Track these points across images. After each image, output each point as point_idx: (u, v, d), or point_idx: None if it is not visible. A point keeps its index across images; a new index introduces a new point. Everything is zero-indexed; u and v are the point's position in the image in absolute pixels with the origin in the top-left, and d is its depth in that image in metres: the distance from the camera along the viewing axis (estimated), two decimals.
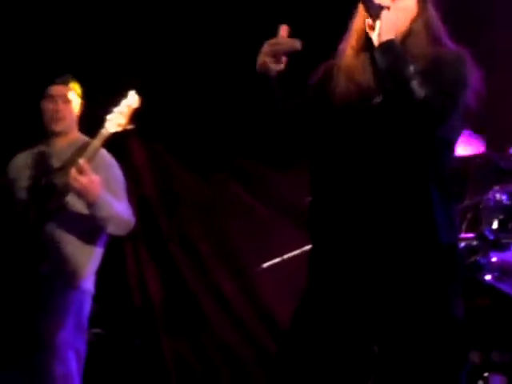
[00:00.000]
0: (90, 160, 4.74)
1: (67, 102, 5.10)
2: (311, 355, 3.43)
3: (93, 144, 4.79)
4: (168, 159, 6.77)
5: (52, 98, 5.08)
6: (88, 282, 4.97)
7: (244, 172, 6.64)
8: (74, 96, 5.14)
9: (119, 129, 4.79)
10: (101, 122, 4.90)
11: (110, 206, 4.82)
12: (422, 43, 3.46)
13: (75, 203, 4.79)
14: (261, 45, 3.46)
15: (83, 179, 4.62)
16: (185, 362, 6.44)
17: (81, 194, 4.68)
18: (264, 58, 3.31)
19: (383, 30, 3.36)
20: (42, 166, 5.16)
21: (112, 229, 4.92)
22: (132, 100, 4.79)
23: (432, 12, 3.53)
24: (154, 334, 6.55)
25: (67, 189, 4.77)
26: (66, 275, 4.91)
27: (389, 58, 3.34)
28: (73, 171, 4.67)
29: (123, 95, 4.82)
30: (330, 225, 3.45)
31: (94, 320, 5.30)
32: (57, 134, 5.08)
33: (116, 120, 4.77)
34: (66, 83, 5.17)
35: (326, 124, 3.46)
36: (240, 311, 6.40)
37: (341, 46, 3.51)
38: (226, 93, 6.45)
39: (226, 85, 6.45)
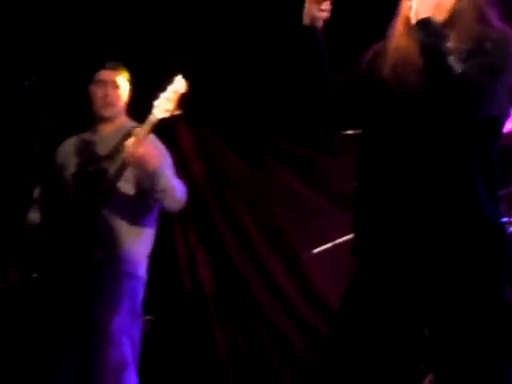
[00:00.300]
0: (141, 140, 4.77)
1: (116, 87, 5.07)
2: (361, 338, 3.43)
3: (141, 130, 4.78)
4: (216, 144, 6.74)
5: (101, 83, 5.05)
6: (141, 268, 5.00)
7: (292, 157, 6.55)
8: (123, 81, 5.12)
9: (167, 115, 4.76)
10: (148, 108, 4.84)
11: (167, 178, 4.84)
12: (467, 22, 3.43)
13: (126, 187, 4.81)
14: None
15: (142, 150, 4.65)
16: (237, 349, 6.41)
17: (141, 165, 4.71)
18: (309, 5, 3.34)
19: (419, 9, 3.37)
20: (89, 153, 5.17)
21: (168, 202, 4.93)
22: (179, 85, 4.74)
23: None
24: (206, 321, 6.52)
25: (119, 173, 4.80)
26: (120, 261, 4.92)
27: (424, 34, 3.34)
28: (130, 144, 4.72)
29: (170, 81, 4.75)
30: (376, 207, 3.45)
31: (145, 307, 5.30)
32: (105, 120, 5.08)
33: (163, 106, 4.72)
34: (115, 68, 5.16)
35: (373, 105, 3.47)
36: (291, 297, 6.34)
37: (389, 29, 3.49)
38: (274, 77, 6.28)
39: (274, 68, 6.28)
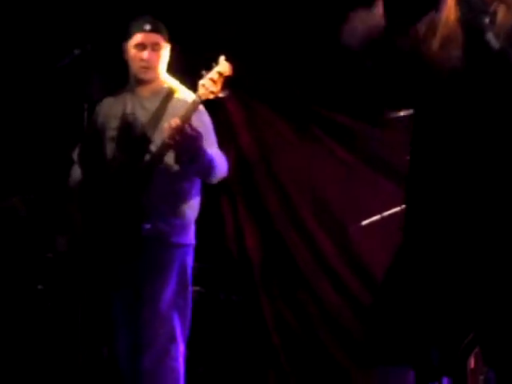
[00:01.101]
0: (184, 122, 4.76)
1: (157, 49, 5.09)
2: (403, 311, 3.50)
3: (186, 110, 4.81)
4: (264, 114, 6.73)
5: (141, 46, 5.06)
6: (189, 237, 5.06)
7: (341, 128, 6.55)
8: (162, 43, 5.12)
9: (211, 96, 4.80)
10: (193, 83, 4.87)
11: (208, 158, 4.88)
12: None
13: (169, 159, 4.84)
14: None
15: (181, 139, 4.66)
16: (284, 320, 6.44)
17: (180, 150, 4.75)
18: (360, 19, 3.33)
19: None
20: (129, 118, 5.21)
21: (208, 179, 5.01)
22: (223, 67, 4.78)
23: None
24: (253, 292, 6.58)
25: (164, 148, 4.82)
26: (168, 232, 4.98)
27: (464, 7, 3.36)
28: (170, 130, 4.72)
29: (215, 60, 4.75)
30: (428, 186, 3.48)
31: (193, 278, 5.33)
32: (144, 83, 5.12)
33: (209, 87, 4.76)
34: (154, 30, 5.16)
35: (423, 83, 3.48)
36: (338, 269, 6.39)
37: (440, 2, 3.48)
38: (321, 49, 6.29)
39: (322, 42, 6.25)
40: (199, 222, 5.23)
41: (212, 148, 4.99)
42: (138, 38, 4.98)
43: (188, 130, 4.69)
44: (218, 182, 5.29)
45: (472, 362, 4.90)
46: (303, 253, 6.47)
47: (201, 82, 4.74)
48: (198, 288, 5.89)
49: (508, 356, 3.54)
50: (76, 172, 5.22)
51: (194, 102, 4.79)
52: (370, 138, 6.24)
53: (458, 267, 3.50)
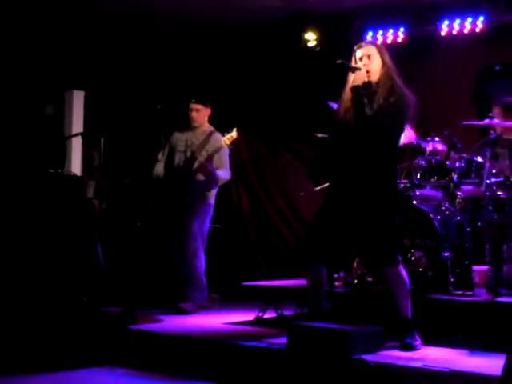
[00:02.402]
0: (214, 153, 6.83)
1: (199, 112, 7.25)
2: (323, 236, 5.10)
3: (213, 150, 6.92)
4: (255, 143, 9.52)
5: (191, 110, 7.21)
6: (211, 200, 7.17)
7: (295, 149, 9.21)
8: (202, 108, 7.29)
9: (226, 145, 6.92)
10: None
11: (216, 177, 6.94)
12: (387, 83, 4.99)
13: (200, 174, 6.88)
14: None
15: (205, 169, 6.83)
16: (262, 242, 9.36)
17: (206, 175, 6.88)
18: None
19: (355, 80, 4.99)
20: (189, 145, 7.20)
21: (217, 184, 7.07)
22: (234, 133, 6.87)
23: (391, 70, 5.07)
24: (244, 226, 9.46)
25: (200, 167, 6.92)
26: (200, 199, 7.09)
27: (354, 94, 4.97)
28: (201, 162, 6.80)
29: (230, 130, 6.91)
30: (338, 178, 5.12)
31: (215, 221, 7.68)
32: (195, 127, 7.23)
33: (226, 141, 6.85)
34: (196, 102, 7.23)
35: (337, 129, 5.10)
36: (289, 217, 9.23)
37: (343, 91, 5.12)
38: (291, 105, 8.97)
39: (292, 100, 8.94)
40: (221, 195, 7.35)
41: (222, 168, 6.97)
42: (190, 106, 7.22)
43: (208, 165, 6.78)
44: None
45: (355, 263, 6.50)
46: (272, 210, 9.45)
47: (223, 138, 6.91)
48: (217, 225, 8.46)
49: (372, 261, 5.48)
50: (159, 167, 7.32)
51: (218, 147, 6.93)
52: (306, 153, 8.65)
53: (348, 218, 5.10)
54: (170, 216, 7.15)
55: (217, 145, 6.90)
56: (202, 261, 7.07)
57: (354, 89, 4.97)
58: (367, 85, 4.98)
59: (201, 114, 7.22)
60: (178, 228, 7.10)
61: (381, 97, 4.96)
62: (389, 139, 5.04)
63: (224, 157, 7.11)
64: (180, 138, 7.24)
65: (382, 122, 4.83)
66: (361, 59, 5.06)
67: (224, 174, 7.06)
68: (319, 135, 6.17)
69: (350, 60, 5.11)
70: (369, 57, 5.08)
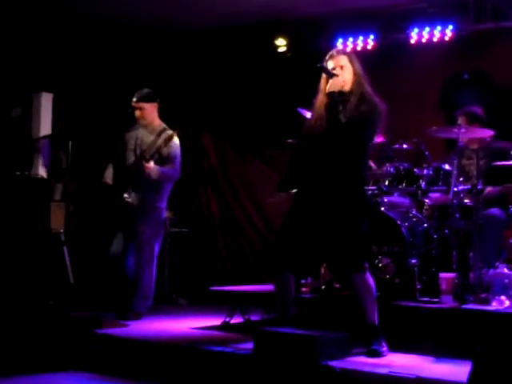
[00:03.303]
0: (162, 149, 6.63)
1: (142, 109, 6.94)
2: (291, 241, 5.10)
3: (164, 143, 6.75)
4: (223, 146, 9.53)
5: (135, 109, 6.94)
6: (162, 203, 6.88)
7: (264, 155, 9.23)
8: (145, 105, 6.95)
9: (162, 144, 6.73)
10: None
11: (162, 176, 6.73)
12: (358, 91, 5.04)
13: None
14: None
15: (149, 170, 6.60)
16: (229, 247, 9.39)
17: (148, 173, 6.65)
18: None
19: (331, 86, 5.03)
20: (139, 144, 6.98)
21: (164, 182, 6.84)
22: (171, 134, 6.73)
23: (362, 78, 5.11)
24: (213, 232, 9.49)
25: (138, 160, 6.72)
26: (151, 201, 6.83)
27: (329, 100, 5.02)
28: (148, 161, 6.58)
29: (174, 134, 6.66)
30: (307, 184, 5.14)
31: (183, 226, 8.21)
32: (145, 126, 6.99)
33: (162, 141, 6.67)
34: (138, 101, 6.93)
35: (309, 136, 5.08)
36: (256, 222, 9.28)
37: (315, 99, 5.15)
38: (261, 112, 9.02)
39: (262, 107, 9.00)
40: (190, 199, 7.85)
41: (171, 166, 6.75)
42: (132, 105, 6.94)
43: (145, 162, 6.56)
44: (198, 179, 8.12)
45: (322, 269, 6.46)
46: (241, 215, 9.43)
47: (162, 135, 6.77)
48: (186, 230, 8.64)
49: (337, 268, 5.47)
50: (108, 170, 7.10)
51: (156, 146, 6.77)
52: (276, 158, 8.66)
53: (316, 225, 5.10)
54: (120, 219, 7.03)
55: (168, 145, 6.82)
56: (153, 270, 6.95)
57: (331, 95, 5.03)
58: (341, 93, 5.03)
59: (147, 112, 7.01)
60: (129, 233, 6.95)
61: (352, 105, 5.02)
62: (359, 147, 5.08)
63: (174, 154, 6.95)
64: (131, 136, 7.10)
65: (353, 129, 4.91)
66: (333, 69, 5.11)
67: (172, 172, 6.92)
68: (290, 141, 6.18)
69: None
70: (341, 67, 5.14)
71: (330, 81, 5.07)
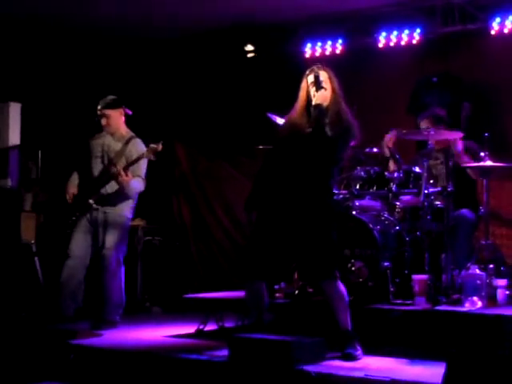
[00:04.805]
0: (134, 162, 6.63)
1: (109, 117, 6.88)
2: (261, 253, 5.18)
3: (138, 157, 6.71)
4: (195, 154, 9.47)
5: (101, 117, 6.89)
6: (128, 213, 6.89)
7: (237, 161, 9.20)
8: (111, 112, 6.90)
9: (149, 158, 6.74)
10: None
11: (131, 188, 6.75)
12: (335, 109, 5.13)
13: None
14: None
15: (121, 178, 6.61)
16: (202, 253, 9.31)
17: (121, 184, 6.68)
18: None
19: (319, 98, 5.09)
20: (106, 151, 6.95)
21: (131, 194, 6.83)
22: (159, 146, 6.65)
23: (339, 97, 5.21)
24: (186, 239, 9.38)
25: (117, 173, 6.65)
26: (116, 211, 6.85)
27: (316, 111, 5.06)
28: (117, 170, 6.55)
29: (157, 141, 6.63)
30: (277, 192, 5.18)
31: (156, 234, 8.21)
32: (111, 133, 6.95)
33: (150, 153, 6.64)
34: (102, 108, 6.86)
35: (281, 145, 5.19)
36: (228, 228, 9.24)
37: (292, 109, 5.26)
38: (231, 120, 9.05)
39: (233, 114, 9.02)
40: (163, 208, 7.81)
41: (138, 178, 6.74)
42: (98, 113, 6.86)
43: (122, 174, 6.55)
44: (170, 187, 8.26)
45: (296, 274, 6.49)
46: (213, 222, 9.39)
47: (149, 146, 6.68)
48: (158, 238, 8.63)
49: (308, 275, 5.74)
50: (73, 177, 7.04)
51: (139, 157, 6.71)
52: (247, 164, 8.45)
53: (285, 234, 5.15)
54: (86, 228, 6.97)
55: (138, 153, 6.76)
56: (121, 279, 6.94)
57: (319, 108, 5.09)
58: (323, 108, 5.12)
59: (113, 119, 6.98)
60: (95, 242, 6.94)
61: (330, 121, 5.10)
62: (332, 158, 5.16)
63: (141, 166, 6.91)
64: (97, 143, 7.06)
65: (336, 144, 5.03)
66: (312, 84, 5.17)
67: (139, 184, 6.88)
68: (261, 147, 6.29)
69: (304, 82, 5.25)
70: (326, 82, 5.22)
71: (317, 93, 5.13)
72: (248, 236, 5.61)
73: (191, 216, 9.61)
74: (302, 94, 5.23)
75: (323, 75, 5.20)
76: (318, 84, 5.13)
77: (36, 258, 7.59)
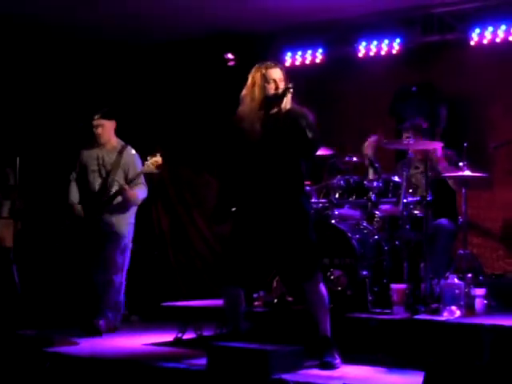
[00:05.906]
0: (136, 177, 6.89)
1: (104, 127, 7.04)
2: (239, 259, 5.16)
3: (135, 175, 6.99)
4: (176, 163, 9.27)
5: (96, 126, 7.03)
6: (132, 219, 7.17)
7: (215, 169, 8.01)
8: (106, 122, 7.05)
9: (151, 170, 7.00)
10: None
11: (139, 199, 7.02)
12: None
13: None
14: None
15: (126, 193, 6.88)
16: (180, 260, 9.31)
17: (129, 200, 6.97)
18: None
19: (289, 101, 5.10)
20: (102, 164, 7.12)
21: (138, 202, 7.12)
22: (159, 159, 6.94)
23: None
24: (165, 248, 9.42)
25: (122, 190, 6.92)
26: (120, 220, 7.06)
27: (299, 117, 5.04)
28: (124, 188, 6.79)
29: (155, 154, 6.93)
30: (248, 197, 5.14)
31: (135, 242, 7.56)
32: (103, 144, 7.12)
33: (150, 166, 6.90)
34: (99, 118, 7.01)
35: (242, 149, 5.07)
36: (206, 235, 9.18)
37: (242, 108, 5.15)
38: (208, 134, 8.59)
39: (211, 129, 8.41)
40: (141, 216, 7.41)
41: (140, 186, 6.97)
42: (94, 122, 7.04)
43: (128, 190, 6.84)
44: (150, 197, 7.51)
45: (275, 283, 6.47)
46: (192, 230, 9.36)
47: (148, 160, 6.95)
48: (137, 246, 8.02)
49: (289, 278, 5.60)
50: (73, 191, 7.22)
51: (141, 170, 6.95)
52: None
53: (263, 237, 5.11)
54: (89, 240, 7.10)
55: (134, 164, 6.94)
56: (122, 287, 7.13)
57: (295, 110, 5.11)
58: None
59: (106, 130, 7.10)
60: (98, 252, 7.07)
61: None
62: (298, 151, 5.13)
63: (140, 175, 7.09)
64: (90, 156, 7.13)
65: (316, 142, 5.04)
66: (274, 81, 5.11)
67: (142, 192, 7.06)
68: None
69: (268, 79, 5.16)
70: (281, 80, 5.17)
71: (288, 96, 5.08)
72: (225, 244, 5.57)
73: (170, 224, 9.59)
74: (257, 91, 5.13)
75: (282, 73, 5.18)
76: (288, 90, 5.08)
77: (14, 265, 7.62)
